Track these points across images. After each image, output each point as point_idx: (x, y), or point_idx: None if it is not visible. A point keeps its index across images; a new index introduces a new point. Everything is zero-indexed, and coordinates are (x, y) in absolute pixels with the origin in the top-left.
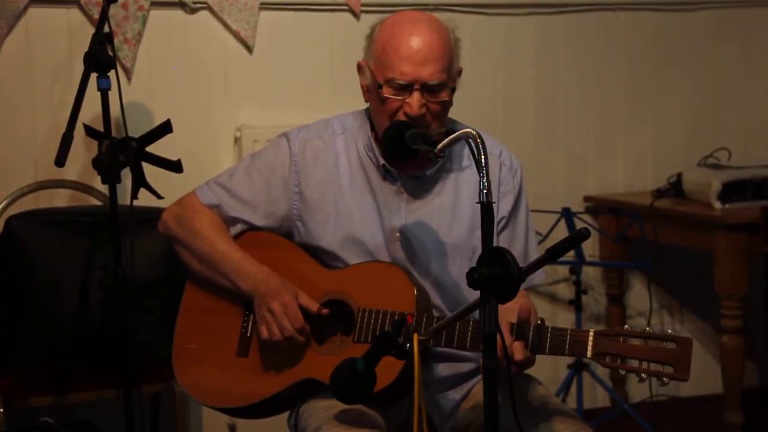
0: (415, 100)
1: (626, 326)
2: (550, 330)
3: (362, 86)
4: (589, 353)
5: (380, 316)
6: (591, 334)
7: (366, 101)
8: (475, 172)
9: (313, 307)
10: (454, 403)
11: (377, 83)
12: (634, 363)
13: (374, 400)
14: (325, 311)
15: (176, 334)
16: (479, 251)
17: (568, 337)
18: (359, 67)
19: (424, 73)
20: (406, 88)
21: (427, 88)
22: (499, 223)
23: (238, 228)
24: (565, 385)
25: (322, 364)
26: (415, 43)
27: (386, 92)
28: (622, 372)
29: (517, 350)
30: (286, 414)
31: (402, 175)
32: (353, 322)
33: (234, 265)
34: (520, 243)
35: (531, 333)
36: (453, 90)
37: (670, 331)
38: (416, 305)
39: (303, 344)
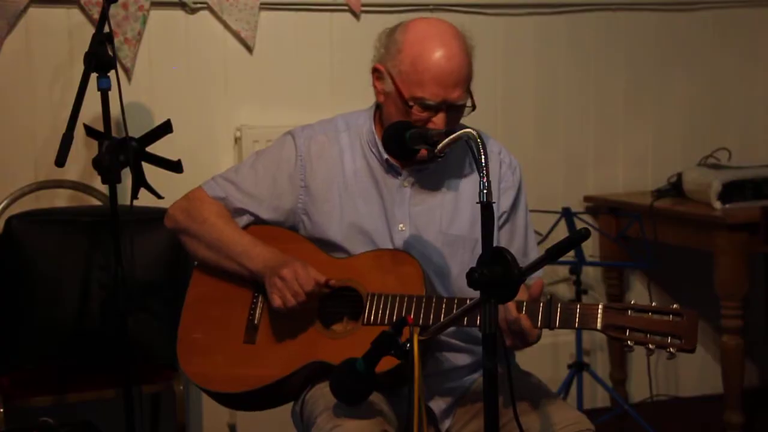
0: (441, 119)
1: (632, 300)
2: (560, 305)
3: (378, 89)
4: (598, 325)
5: (389, 299)
6: (600, 307)
7: (380, 102)
8: None
9: (321, 278)
10: (455, 397)
11: (403, 97)
12: (642, 335)
13: (378, 383)
14: (333, 282)
15: (181, 324)
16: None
17: (578, 310)
18: (376, 71)
19: (453, 95)
20: (433, 107)
21: (452, 108)
22: (500, 218)
23: (244, 220)
24: (565, 385)
25: (330, 347)
26: (445, 64)
27: (415, 111)
28: (631, 343)
29: (525, 324)
30: (287, 414)
31: (405, 169)
32: (361, 306)
33: (243, 247)
34: (520, 239)
35: (541, 308)
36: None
37: (675, 306)
38: (425, 287)
39: (311, 329)
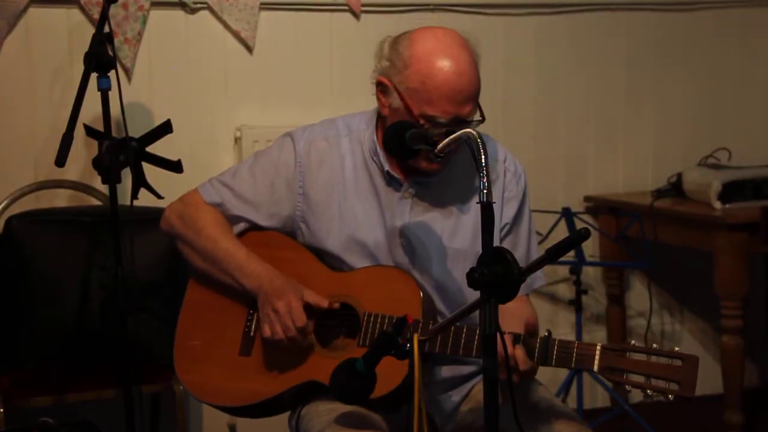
0: None
1: (632, 341)
2: (557, 342)
3: (382, 103)
4: (595, 367)
5: (386, 320)
6: (598, 348)
7: (384, 115)
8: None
9: (323, 303)
10: (455, 404)
11: (413, 114)
12: (640, 378)
13: (375, 406)
14: (336, 305)
15: (178, 331)
16: None
17: (575, 350)
18: (381, 84)
19: (464, 111)
20: (444, 124)
21: (462, 123)
22: (502, 229)
23: (241, 226)
24: (565, 386)
25: (325, 366)
26: (456, 81)
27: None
28: (628, 387)
29: (521, 360)
30: (286, 414)
31: (406, 181)
32: (358, 325)
33: (238, 263)
34: (523, 248)
35: (538, 345)
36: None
37: (677, 348)
38: (422, 311)
39: (306, 346)
